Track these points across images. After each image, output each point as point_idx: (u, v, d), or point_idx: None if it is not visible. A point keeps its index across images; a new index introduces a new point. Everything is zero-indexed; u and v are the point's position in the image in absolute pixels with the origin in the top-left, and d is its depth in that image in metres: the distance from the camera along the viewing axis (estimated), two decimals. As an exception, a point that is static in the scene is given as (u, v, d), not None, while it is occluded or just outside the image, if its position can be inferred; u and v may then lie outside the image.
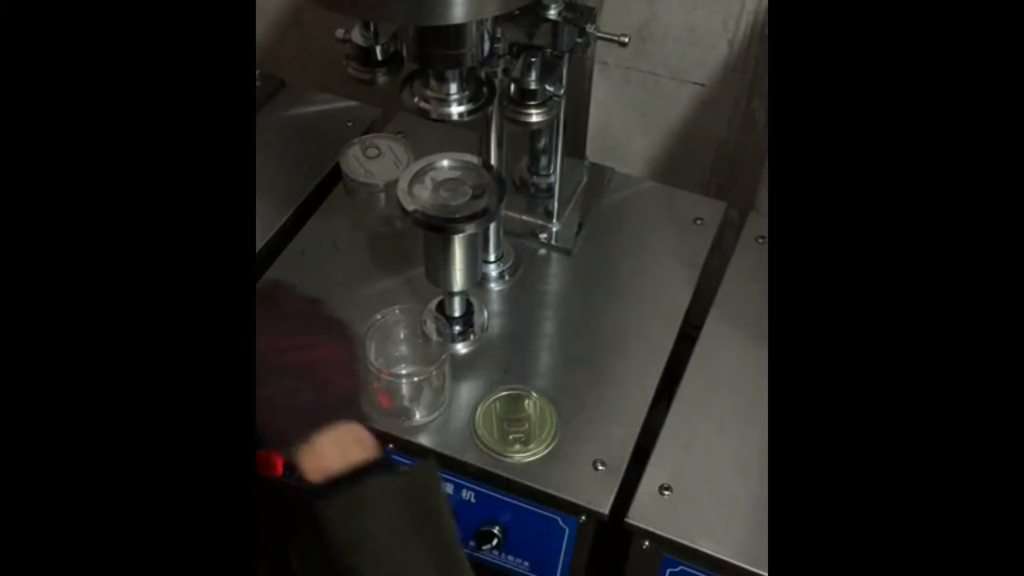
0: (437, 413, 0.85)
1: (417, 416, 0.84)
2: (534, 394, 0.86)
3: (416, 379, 0.82)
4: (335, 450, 0.63)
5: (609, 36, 0.84)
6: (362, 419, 0.65)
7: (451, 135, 0.96)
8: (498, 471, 0.81)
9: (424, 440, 0.83)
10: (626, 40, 0.84)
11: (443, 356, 0.82)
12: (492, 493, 0.83)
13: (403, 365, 0.86)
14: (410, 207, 0.79)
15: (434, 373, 0.82)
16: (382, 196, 0.97)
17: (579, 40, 0.81)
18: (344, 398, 0.66)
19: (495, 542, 0.84)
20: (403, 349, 0.86)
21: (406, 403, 0.83)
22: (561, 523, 0.82)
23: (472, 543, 0.85)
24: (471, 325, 0.91)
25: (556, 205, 1.00)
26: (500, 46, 0.79)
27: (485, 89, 0.77)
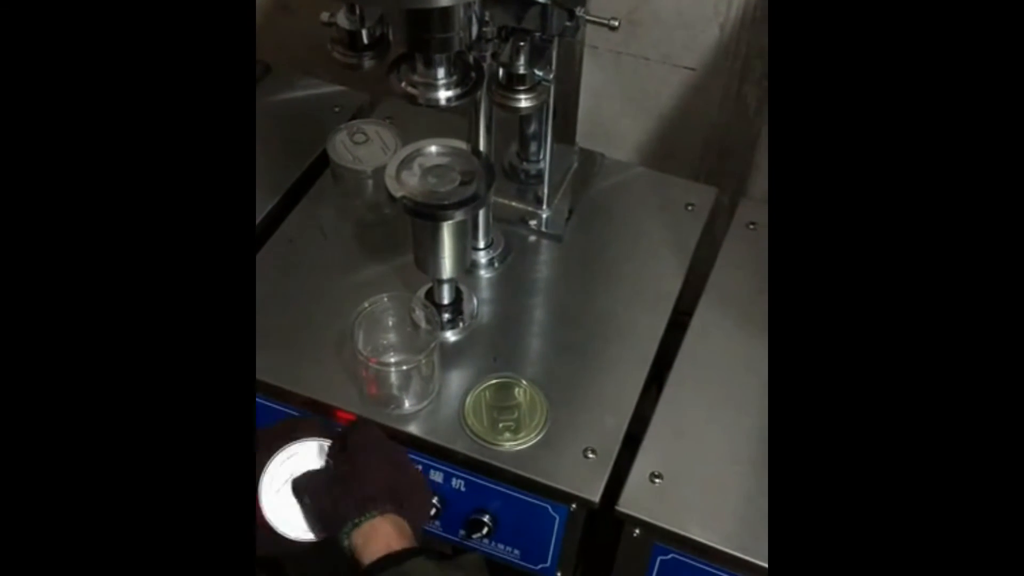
0: (426, 402, 0.84)
1: (406, 405, 0.83)
2: (524, 382, 0.85)
3: (405, 367, 0.82)
4: (379, 537, 0.70)
5: (599, 20, 0.83)
6: (405, 514, 0.73)
7: (439, 120, 0.95)
8: (488, 459, 0.81)
9: (414, 429, 0.83)
10: (616, 24, 0.83)
11: (432, 344, 0.81)
12: (482, 481, 0.83)
13: (392, 353, 0.85)
14: (398, 193, 0.78)
15: (423, 361, 0.81)
16: (370, 182, 0.96)
17: (568, 24, 0.81)
18: (390, 492, 0.73)
19: (485, 531, 0.83)
20: (392, 337, 0.86)
21: (395, 392, 0.83)
22: (552, 511, 0.81)
23: (462, 532, 0.85)
24: (460, 313, 0.91)
25: (546, 191, 1.00)
26: (488, 30, 0.78)
27: (473, 74, 0.76)
